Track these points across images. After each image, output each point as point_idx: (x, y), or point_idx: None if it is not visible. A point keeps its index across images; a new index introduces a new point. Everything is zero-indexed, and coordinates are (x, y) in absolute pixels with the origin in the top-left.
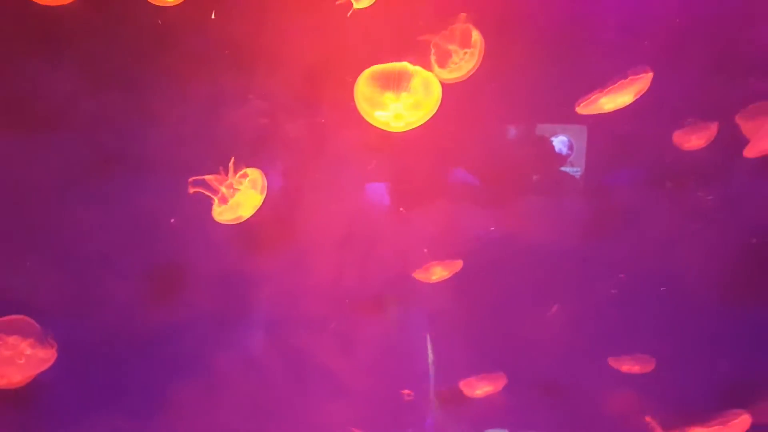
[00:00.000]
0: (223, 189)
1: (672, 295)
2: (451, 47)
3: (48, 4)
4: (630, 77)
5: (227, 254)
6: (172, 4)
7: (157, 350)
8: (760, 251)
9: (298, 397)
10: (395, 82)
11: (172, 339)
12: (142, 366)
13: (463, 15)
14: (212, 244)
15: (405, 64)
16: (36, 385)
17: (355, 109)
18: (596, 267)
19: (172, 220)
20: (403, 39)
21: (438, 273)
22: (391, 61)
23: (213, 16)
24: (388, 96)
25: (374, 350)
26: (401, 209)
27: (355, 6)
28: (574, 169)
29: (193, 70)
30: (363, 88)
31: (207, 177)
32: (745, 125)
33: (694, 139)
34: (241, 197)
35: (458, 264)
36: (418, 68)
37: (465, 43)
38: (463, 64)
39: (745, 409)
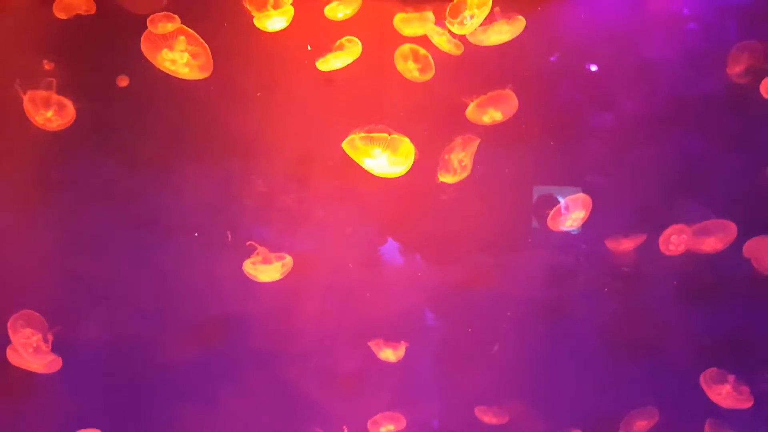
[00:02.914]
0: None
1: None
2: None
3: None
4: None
5: (230, 300)
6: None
7: (165, 378)
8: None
9: (283, 422)
10: (378, 142)
11: (179, 369)
12: (150, 392)
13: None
14: (219, 293)
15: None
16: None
17: (337, 185)
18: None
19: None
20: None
21: (386, 353)
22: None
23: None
24: (374, 150)
25: (351, 384)
26: (350, 265)
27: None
28: (573, 229)
29: (208, 154)
30: (355, 143)
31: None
32: None
33: (624, 243)
34: (270, 269)
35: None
36: (395, 135)
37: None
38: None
39: None
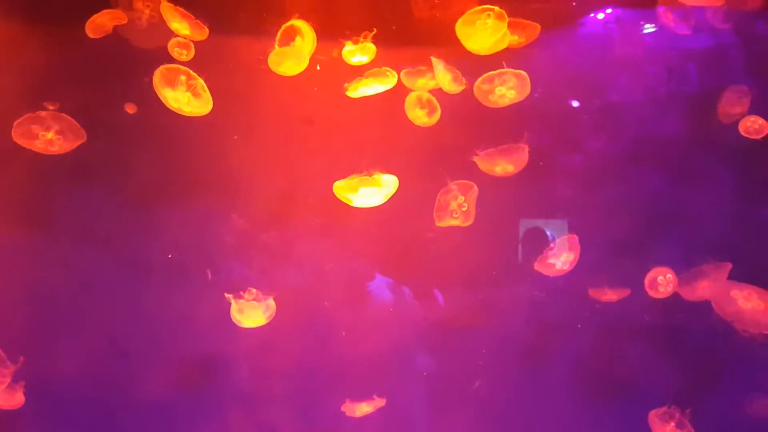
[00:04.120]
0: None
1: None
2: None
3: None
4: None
5: (210, 340)
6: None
7: (145, 418)
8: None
9: None
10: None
11: (158, 409)
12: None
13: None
14: (199, 331)
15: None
16: None
17: (318, 222)
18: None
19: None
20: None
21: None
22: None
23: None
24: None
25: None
26: (326, 303)
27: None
28: (555, 259)
29: (189, 194)
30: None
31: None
32: None
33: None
34: (254, 314)
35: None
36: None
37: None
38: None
39: None
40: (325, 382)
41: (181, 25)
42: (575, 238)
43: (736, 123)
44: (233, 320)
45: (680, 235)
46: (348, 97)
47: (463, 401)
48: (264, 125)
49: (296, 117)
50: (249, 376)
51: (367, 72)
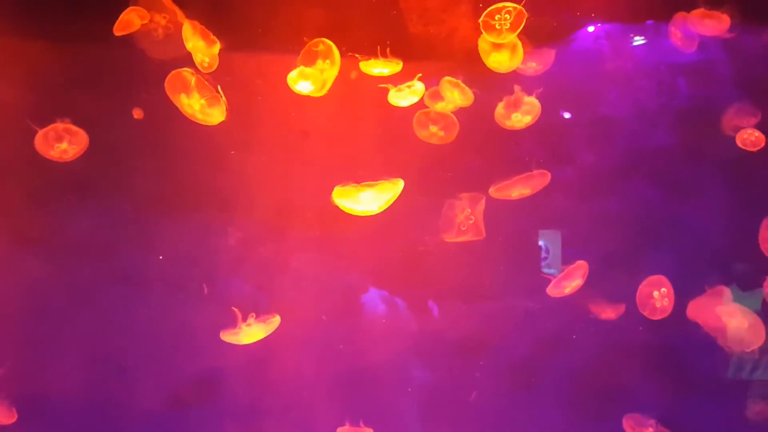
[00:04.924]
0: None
1: None
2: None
3: None
4: None
5: (206, 354)
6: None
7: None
8: None
9: None
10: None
11: (156, 423)
12: None
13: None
14: (196, 346)
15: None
16: None
17: (314, 236)
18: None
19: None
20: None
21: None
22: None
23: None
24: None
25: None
26: (323, 317)
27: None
28: (551, 270)
29: (185, 207)
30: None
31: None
32: None
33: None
34: (253, 331)
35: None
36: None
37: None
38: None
39: None
40: (323, 396)
41: (195, 41)
42: (585, 264)
43: (729, 134)
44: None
45: (672, 245)
46: (344, 110)
47: (460, 413)
48: (261, 139)
49: (293, 130)
50: (246, 390)
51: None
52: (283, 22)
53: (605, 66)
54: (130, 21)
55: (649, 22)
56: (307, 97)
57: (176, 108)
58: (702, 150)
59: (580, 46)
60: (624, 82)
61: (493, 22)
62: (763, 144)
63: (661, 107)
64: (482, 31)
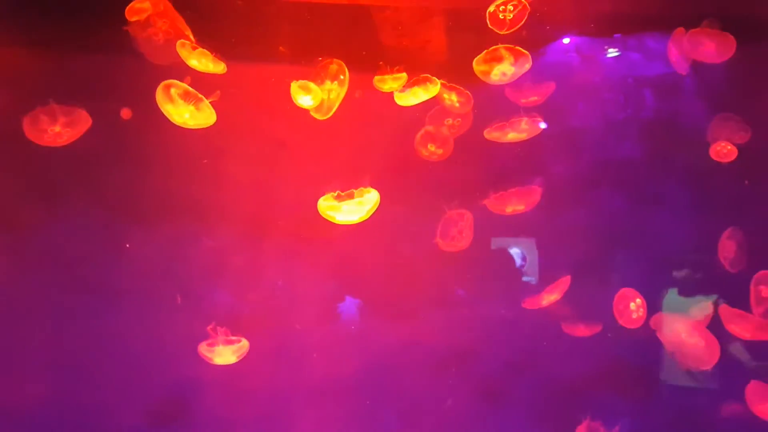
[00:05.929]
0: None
1: None
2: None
3: None
4: None
5: (180, 365)
6: None
7: None
8: None
9: None
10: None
11: None
12: None
13: None
14: (170, 356)
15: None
16: None
17: (288, 244)
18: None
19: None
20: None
21: None
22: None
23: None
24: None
25: None
26: (297, 326)
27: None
28: (529, 277)
29: (157, 217)
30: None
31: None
32: None
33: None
34: (225, 352)
35: None
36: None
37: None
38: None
39: None
40: (298, 406)
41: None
42: (568, 278)
43: (696, 146)
44: (203, 356)
45: (640, 254)
46: (318, 119)
47: (436, 422)
48: (234, 148)
49: (268, 140)
50: (220, 400)
51: (412, 81)
52: (258, 33)
53: (574, 79)
54: (141, 9)
55: (616, 35)
56: (283, 107)
57: (151, 114)
58: (669, 161)
59: (551, 59)
60: (592, 94)
61: (501, 15)
62: (734, 156)
63: (628, 119)
64: (488, 23)
